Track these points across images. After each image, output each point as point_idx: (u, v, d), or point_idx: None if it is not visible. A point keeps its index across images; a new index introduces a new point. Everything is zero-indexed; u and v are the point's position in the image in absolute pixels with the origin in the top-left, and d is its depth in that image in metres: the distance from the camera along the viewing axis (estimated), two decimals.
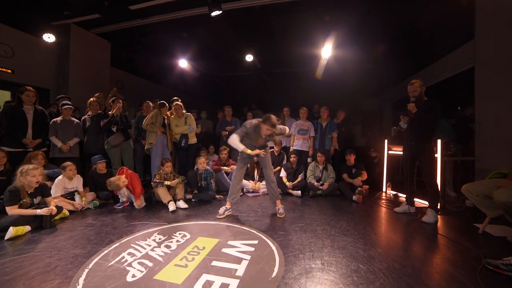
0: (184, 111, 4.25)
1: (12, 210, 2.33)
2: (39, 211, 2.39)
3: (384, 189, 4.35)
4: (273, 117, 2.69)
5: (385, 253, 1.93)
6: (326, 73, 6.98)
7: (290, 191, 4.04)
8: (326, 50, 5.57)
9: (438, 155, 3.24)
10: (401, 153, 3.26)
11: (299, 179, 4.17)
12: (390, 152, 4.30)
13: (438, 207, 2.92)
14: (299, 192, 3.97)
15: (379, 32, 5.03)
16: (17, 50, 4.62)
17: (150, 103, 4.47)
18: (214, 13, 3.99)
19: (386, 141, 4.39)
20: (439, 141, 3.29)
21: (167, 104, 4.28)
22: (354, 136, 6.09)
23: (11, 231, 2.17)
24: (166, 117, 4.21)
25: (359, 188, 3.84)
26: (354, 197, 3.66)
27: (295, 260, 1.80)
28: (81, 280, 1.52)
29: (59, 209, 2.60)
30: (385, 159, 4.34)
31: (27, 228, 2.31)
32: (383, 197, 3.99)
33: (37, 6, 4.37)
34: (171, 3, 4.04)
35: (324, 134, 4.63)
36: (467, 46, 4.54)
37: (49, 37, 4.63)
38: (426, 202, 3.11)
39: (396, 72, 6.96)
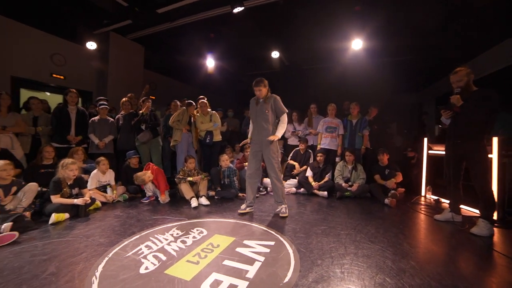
0: (209, 109, 4.33)
1: (55, 199, 2.65)
2: (75, 201, 2.65)
3: (423, 193, 3.88)
4: (261, 79, 2.85)
5: (420, 267, 1.67)
6: (358, 67, 6.50)
7: (316, 191, 3.84)
8: (357, 42, 5.17)
9: (494, 156, 2.75)
10: (444, 153, 2.83)
11: (326, 179, 3.96)
12: (430, 152, 3.81)
13: (494, 217, 2.46)
14: (325, 193, 3.76)
15: (418, 16, 4.45)
16: (68, 58, 5.22)
17: (178, 102, 4.64)
18: (236, 10, 3.96)
19: (425, 139, 3.91)
20: (495, 139, 2.79)
21: (194, 104, 4.40)
22: (388, 135, 5.52)
23: (53, 217, 2.45)
24: (192, 115, 4.33)
25: (392, 191, 3.49)
26: (387, 201, 3.32)
27: (312, 266, 1.66)
28: (100, 267, 1.61)
29: (93, 200, 2.84)
30: (425, 159, 3.87)
31: (66, 215, 2.58)
32: (422, 202, 3.56)
33: (82, 17, 4.88)
34: (195, 4, 4.13)
35: (354, 132, 4.29)
36: None
37: (91, 45, 5.13)
38: (477, 211, 2.66)
39: (441, 62, 6.14)
